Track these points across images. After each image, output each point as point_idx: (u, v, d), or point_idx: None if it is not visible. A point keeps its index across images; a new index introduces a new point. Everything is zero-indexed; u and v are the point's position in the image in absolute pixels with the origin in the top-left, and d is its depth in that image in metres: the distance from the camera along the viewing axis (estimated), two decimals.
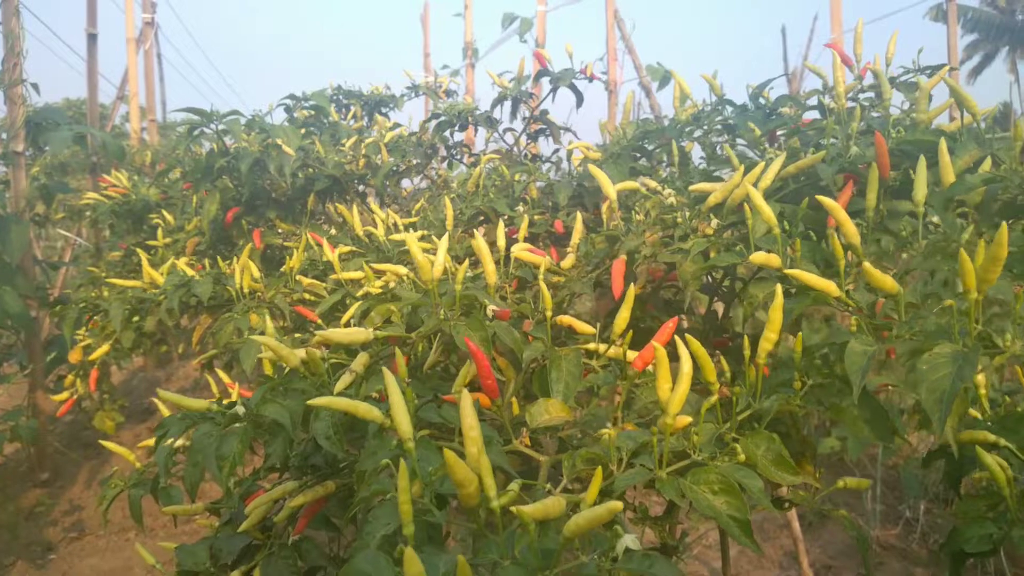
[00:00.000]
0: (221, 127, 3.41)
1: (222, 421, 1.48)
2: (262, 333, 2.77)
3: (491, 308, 1.62)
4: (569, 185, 2.74)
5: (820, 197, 1.42)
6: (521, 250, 2.09)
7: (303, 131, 3.65)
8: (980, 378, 1.37)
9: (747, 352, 1.36)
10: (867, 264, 1.15)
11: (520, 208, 2.96)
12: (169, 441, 1.53)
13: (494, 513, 1.04)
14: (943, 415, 0.98)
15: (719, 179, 2.04)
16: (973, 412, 1.45)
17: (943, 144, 1.45)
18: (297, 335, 2.71)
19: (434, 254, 1.74)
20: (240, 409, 1.49)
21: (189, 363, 6.83)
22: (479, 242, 1.76)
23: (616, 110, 6.41)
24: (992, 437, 1.33)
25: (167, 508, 1.99)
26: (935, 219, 1.56)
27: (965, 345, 1.06)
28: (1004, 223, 0.99)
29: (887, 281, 1.16)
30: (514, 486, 1.11)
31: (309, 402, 1.27)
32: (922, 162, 1.41)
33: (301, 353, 1.59)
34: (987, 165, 1.56)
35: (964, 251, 1.01)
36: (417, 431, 1.18)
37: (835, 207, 1.37)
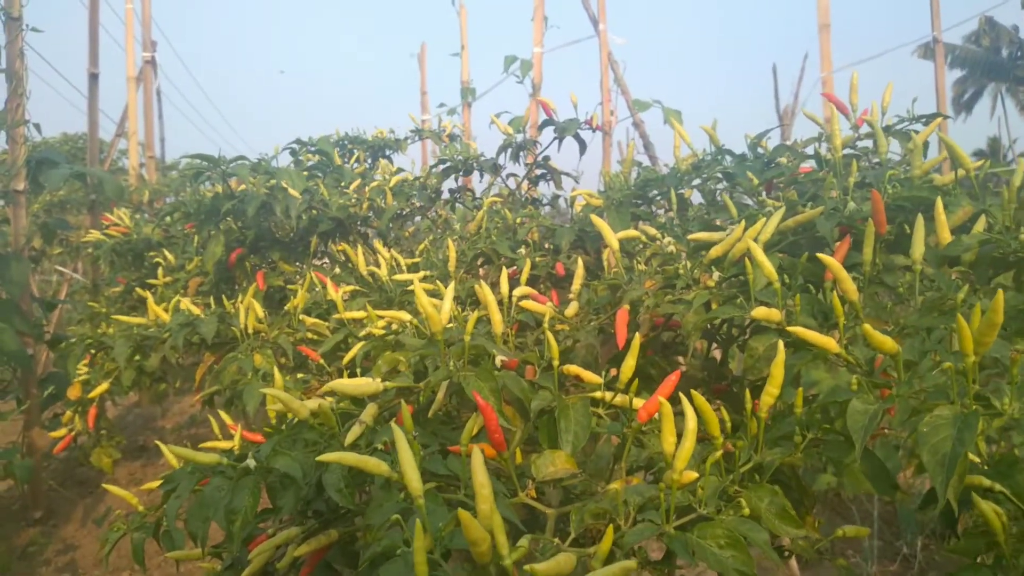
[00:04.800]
0: (228, 171, 3.45)
1: (233, 475, 1.50)
2: (266, 374, 2.79)
3: (500, 359, 1.64)
4: (571, 231, 2.79)
5: (821, 256, 1.46)
6: (524, 295, 2.13)
7: (306, 174, 3.71)
8: None
9: (748, 406, 1.38)
10: (867, 326, 1.19)
11: (522, 251, 3.00)
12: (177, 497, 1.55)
13: (505, 569, 1.06)
14: (946, 478, 1.00)
15: (717, 227, 2.09)
16: (972, 456, 1.47)
17: (939, 204, 1.49)
18: (300, 375, 2.73)
19: (438, 298, 1.76)
20: (251, 463, 1.51)
21: (185, 398, 6.81)
22: (487, 293, 1.79)
23: (611, 150, 6.52)
24: (987, 482, 1.35)
25: (171, 554, 1.99)
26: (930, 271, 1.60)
27: (963, 406, 1.09)
28: (1000, 291, 1.02)
29: (887, 342, 1.19)
30: (524, 542, 1.13)
31: (319, 458, 1.29)
32: (919, 222, 1.45)
33: (311, 404, 1.61)
34: (981, 220, 1.61)
35: (962, 316, 1.04)
36: (423, 482, 1.20)
37: (836, 266, 1.41)
